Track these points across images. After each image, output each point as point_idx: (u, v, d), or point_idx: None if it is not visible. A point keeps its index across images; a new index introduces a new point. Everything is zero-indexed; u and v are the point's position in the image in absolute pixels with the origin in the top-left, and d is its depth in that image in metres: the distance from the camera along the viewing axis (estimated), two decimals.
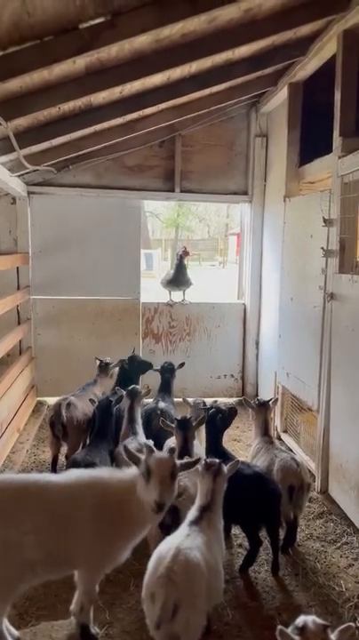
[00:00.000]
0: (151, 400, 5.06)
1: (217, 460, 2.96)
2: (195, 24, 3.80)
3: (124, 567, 3.07)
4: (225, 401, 6.63)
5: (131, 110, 5.23)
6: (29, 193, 6.57)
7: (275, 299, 6.07)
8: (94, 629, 2.91)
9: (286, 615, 3.08)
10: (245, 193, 7.05)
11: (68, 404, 4.60)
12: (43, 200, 6.63)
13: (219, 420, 3.91)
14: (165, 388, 5.21)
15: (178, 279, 7.07)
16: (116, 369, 5.45)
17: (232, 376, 7.41)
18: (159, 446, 3.77)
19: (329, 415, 4.52)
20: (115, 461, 3.99)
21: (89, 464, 3.58)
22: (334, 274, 4.40)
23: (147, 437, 3.96)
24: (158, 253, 26.75)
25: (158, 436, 4.11)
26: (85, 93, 4.29)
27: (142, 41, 3.76)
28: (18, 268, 6.59)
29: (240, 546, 3.84)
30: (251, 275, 7.10)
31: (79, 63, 3.79)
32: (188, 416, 3.95)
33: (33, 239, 6.70)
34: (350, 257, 4.38)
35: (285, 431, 5.91)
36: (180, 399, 4.85)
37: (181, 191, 6.90)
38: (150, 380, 5.55)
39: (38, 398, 6.96)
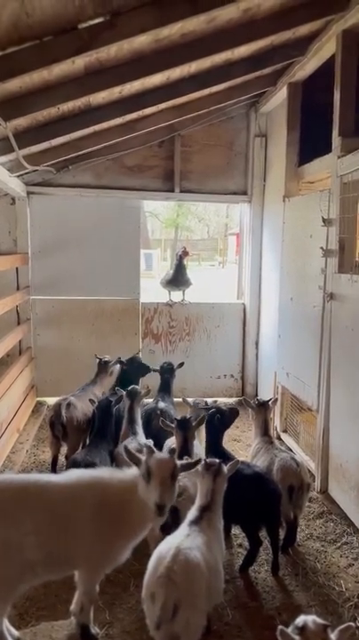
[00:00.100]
0: (151, 400, 5.07)
1: (217, 460, 2.96)
2: (194, 24, 3.80)
3: (124, 567, 3.06)
4: (224, 401, 6.64)
5: (130, 110, 5.23)
6: (29, 193, 6.56)
7: (275, 299, 6.07)
8: (94, 629, 2.91)
9: (286, 615, 3.08)
10: (245, 193, 7.05)
11: (68, 405, 4.60)
12: (42, 200, 6.63)
13: (219, 420, 3.91)
14: (165, 388, 5.21)
15: (177, 279, 7.07)
16: (116, 367, 5.45)
17: (232, 376, 7.41)
18: (159, 446, 3.77)
19: (328, 415, 4.53)
20: (114, 461, 3.99)
21: (89, 464, 3.58)
22: (334, 274, 4.40)
23: (147, 437, 3.97)
24: (158, 253, 26.75)
25: (158, 436, 4.11)
26: (85, 93, 4.29)
27: (141, 41, 3.76)
28: (17, 268, 6.59)
29: (240, 546, 3.84)
30: (251, 275, 7.11)
31: (78, 63, 3.79)
32: (188, 416, 3.95)
33: (32, 239, 6.69)
34: (349, 257, 4.38)
35: (285, 431, 5.91)
36: (180, 399, 4.85)
37: (181, 191, 6.90)
38: (150, 380, 5.55)
39: (38, 398, 6.96)
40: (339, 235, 4.34)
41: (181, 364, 5.50)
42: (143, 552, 3.05)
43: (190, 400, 4.77)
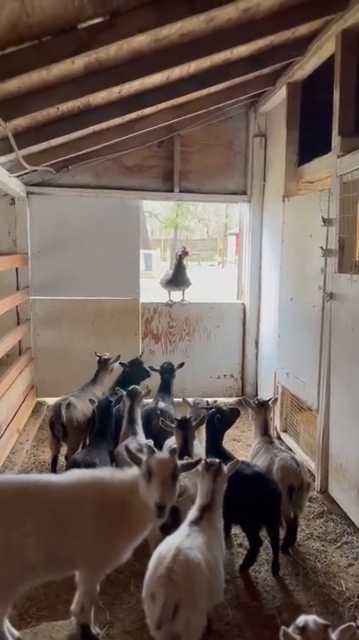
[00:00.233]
0: (151, 400, 5.06)
1: (217, 460, 2.96)
2: (193, 24, 3.80)
3: (125, 567, 3.06)
4: (224, 401, 6.63)
5: (129, 110, 5.23)
6: (28, 193, 6.56)
7: (275, 298, 6.07)
8: (95, 629, 2.91)
9: (287, 615, 3.08)
10: (244, 193, 7.05)
11: (68, 405, 4.60)
12: (42, 200, 6.63)
13: (219, 420, 3.91)
14: (165, 388, 5.21)
15: (177, 279, 7.07)
16: (116, 364, 5.45)
17: (231, 376, 7.41)
18: (159, 446, 3.77)
19: (328, 415, 4.53)
20: (114, 461, 3.99)
21: (89, 464, 3.58)
22: (333, 273, 4.40)
23: (147, 437, 3.97)
24: (157, 253, 26.74)
25: (158, 436, 4.11)
26: (84, 93, 4.29)
27: (141, 41, 3.76)
28: (17, 268, 6.59)
29: (240, 545, 3.84)
30: (251, 274, 7.10)
31: (78, 63, 3.79)
32: (188, 416, 3.95)
33: (32, 239, 6.69)
34: (349, 256, 4.38)
35: (285, 431, 5.91)
36: (180, 399, 4.85)
37: (180, 191, 6.90)
38: (150, 380, 5.54)
39: (38, 399, 6.96)
40: (339, 234, 4.34)
41: (181, 365, 5.50)
42: (143, 552, 3.04)
43: (190, 400, 4.77)
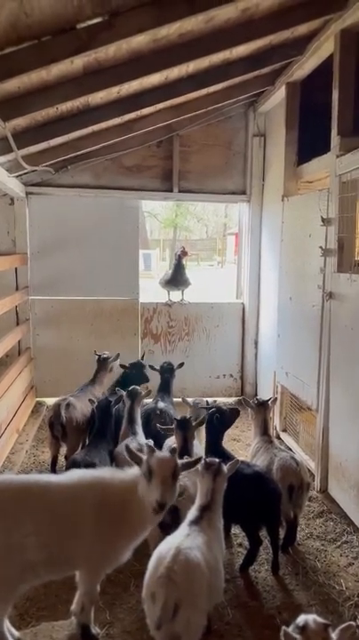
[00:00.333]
0: (150, 400, 5.06)
1: (217, 460, 2.96)
2: (192, 24, 3.80)
3: (125, 567, 3.07)
4: (224, 401, 6.64)
5: (128, 110, 5.23)
6: (27, 193, 6.56)
7: (274, 298, 6.07)
8: (95, 629, 2.91)
9: (287, 614, 3.08)
10: (243, 192, 7.05)
11: (67, 405, 4.60)
12: (41, 200, 6.63)
13: (218, 420, 3.91)
14: (165, 388, 5.21)
15: (176, 279, 7.08)
16: (116, 362, 5.45)
17: (231, 376, 7.41)
18: (158, 446, 3.77)
19: (328, 414, 4.53)
20: (114, 461, 3.99)
21: (88, 464, 3.58)
22: (333, 273, 4.40)
23: (147, 437, 3.96)
24: (156, 253, 26.76)
25: (157, 436, 4.10)
26: (83, 93, 4.29)
27: (140, 41, 3.76)
28: (16, 268, 6.58)
29: (240, 545, 3.84)
30: (250, 274, 7.11)
31: (77, 63, 3.79)
32: (188, 416, 3.95)
33: (31, 240, 6.69)
34: (348, 256, 4.38)
35: (284, 430, 5.91)
36: (180, 399, 4.85)
37: (179, 191, 6.90)
38: (150, 380, 5.54)
39: (37, 399, 6.96)
40: (338, 234, 4.34)
41: (181, 365, 5.50)
42: (143, 552, 3.04)
43: (190, 400, 4.78)
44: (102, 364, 5.39)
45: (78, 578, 2.84)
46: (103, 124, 5.48)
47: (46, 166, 5.96)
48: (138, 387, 4.54)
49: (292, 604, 3.24)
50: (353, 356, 4.05)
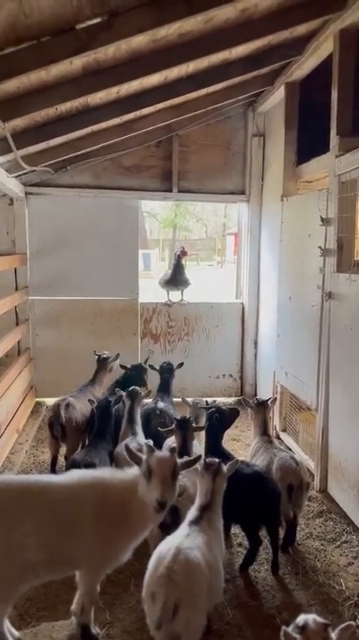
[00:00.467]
0: (150, 400, 5.06)
1: (216, 460, 2.96)
2: (191, 24, 3.80)
3: (125, 567, 3.07)
4: (223, 401, 6.64)
5: (128, 110, 5.23)
6: (27, 194, 6.56)
7: (274, 298, 6.08)
8: (95, 629, 2.91)
9: (286, 614, 3.08)
10: (243, 192, 7.05)
11: (67, 405, 4.60)
12: (40, 201, 6.63)
13: (218, 420, 3.91)
14: (164, 388, 5.21)
15: (176, 279, 7.08)
16: (116, 362, 5.45)
17: (231, 376, 7.41)
18: (158, 446, 3.77)
19: (328, 414, 4.53)
20: (114, 461, 3.99)
21: (88, 464, 3.58)
22: (332, 273, 4.41)
23: (146, 437, 3.97)
24: (156, 253, 26.77)
25: (157, 436, 4.11)
26: (82, 94, 4.29)
27: (139, 41, 3.76)
28: (16, 268, 6.58)
29: (240, 545, 3.84)
30: (249, 274, 7.11)
31: (76, 64, 3.79)
32: (188, 416, 3.95)
33: (31, 240, 6.69)
34: (348, 256, 4.39)
35: (284, 430, 5.91)
36: (179, 399, 4.85)
37: (179, 191, 6.90)
38: (150, 380, 5.55)
39: (37, 399, 6.96)
40: (338, 234, 4.34)
41: (181, 365, 5.50)
42: (143, 552, 3.05)
43: (189, 400, 4.77)
44: (102, 364, 5.39)
45: (78, 578, 2.84)
46: (102, 125, 5.49)
47: (45, 166, 5.96)
48: (137, 387, 4.54)
49: (292, 603, 3.24)
50: (352, 355, 4.05)
